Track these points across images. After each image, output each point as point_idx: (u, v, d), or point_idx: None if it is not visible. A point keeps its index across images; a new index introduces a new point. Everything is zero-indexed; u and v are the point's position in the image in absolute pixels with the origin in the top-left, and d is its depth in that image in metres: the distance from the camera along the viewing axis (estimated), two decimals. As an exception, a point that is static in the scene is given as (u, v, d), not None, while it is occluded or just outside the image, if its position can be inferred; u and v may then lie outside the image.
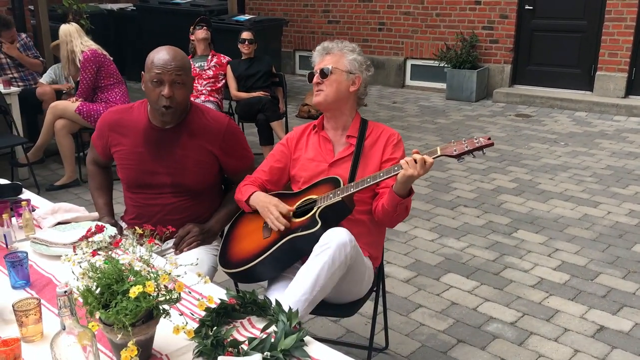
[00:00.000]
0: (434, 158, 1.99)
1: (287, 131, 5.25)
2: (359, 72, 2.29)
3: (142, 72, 2.28)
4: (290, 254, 2.08)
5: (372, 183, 2.07)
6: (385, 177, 2.05)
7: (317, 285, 1.93)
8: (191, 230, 2.31)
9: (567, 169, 5.18)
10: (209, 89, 5.31)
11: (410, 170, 1.97)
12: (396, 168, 2.03)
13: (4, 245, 2.10)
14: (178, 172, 2.31)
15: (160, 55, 2.19)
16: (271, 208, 2.17)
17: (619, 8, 6.99)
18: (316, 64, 2.34)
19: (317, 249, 1.98)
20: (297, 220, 2.15)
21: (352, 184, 2.11)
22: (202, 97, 5.25)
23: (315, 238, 2.01)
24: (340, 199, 2.08)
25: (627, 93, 7.20)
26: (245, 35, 5.46)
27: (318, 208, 2.10)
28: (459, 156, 1.99)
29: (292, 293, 1.92)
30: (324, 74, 2.28)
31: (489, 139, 1.97)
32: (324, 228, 2.02)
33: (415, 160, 1.97)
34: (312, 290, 1.92)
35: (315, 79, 2.30)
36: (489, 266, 3.53)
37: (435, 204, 4.47)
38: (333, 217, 2.08)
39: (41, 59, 5.50)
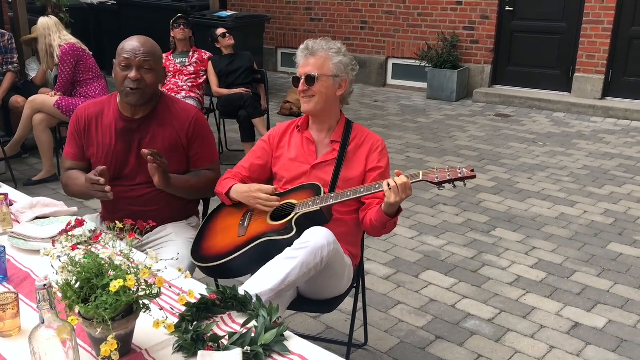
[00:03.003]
0: (415, 182, 2.02)
1: (268, 128, 5.25)
2: (345, 75, 2.28)
3: (114, 60, 2.31)
4: (261, 256, 2.07)
5: (352, 197, 2.09)
6: (365, 193, 2.07)
7: (286, 280, 1.94)
8: (163, 157, 2.21)
9: (545, 169, 5.26)
10: (190, 84, 5.28)
11: (393, 198, 2.00)
12: (377, 186, 2.06)
13: (-19, 240, 2.07)
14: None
15: (131, 42, 2.27)
16: (256, 193, 2.19)
17: (596, 11, 7.10)
18: (300, 66, 2.28)
19: (296, 244, 2.00)
20: (274, 223, 2.15)
21: (332, 194, 2.12)
22: (183, 93, 5.22)
23: (288, 244, 2.03)
24: (319, 208, 2.09)
25: (604, 95, 7.32)
26: (221, 30, 5.44)
27: (295, 214, 2.11)
28: (439, 184, 2.02)
29: (259, 283, 1.92)
30: (310, 80, 2.24)
31: (472, 170, 2.01)
32: (299, 235, 2.04)
33: (397, 186, 1.99)
34: (281, 284, 1.94)
35: (301, 86, 2.26)
36: (468, 264, 3.58)
37: (415, 202, 4.50)
38: (309, 225, 2.08)
39: (11, 68, 5.30)
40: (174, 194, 2.37)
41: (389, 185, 2.01)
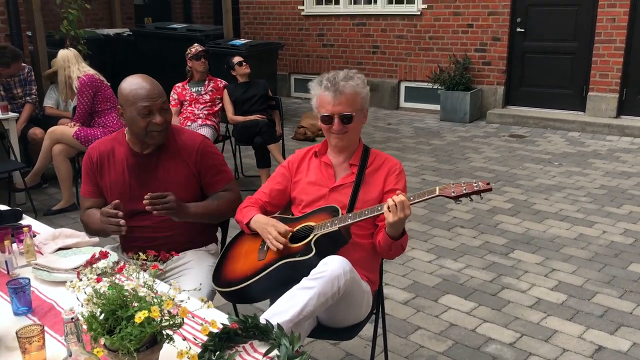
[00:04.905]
0: (432, 197, 2.03)
1: (284, 153, 5.29)
2: (367, 105, 2.32)
3: (119, 106, 2.33)
4: (282, 279, 2.08)
5: (369, 216, 2.09)
6: (382, 211, 2.07)
7: (304, 311, 1.94)
8: (168, 196, 2.22)
9: (562, 189, 5.23)
10: (205, 112, 5.35)
11: (391, 217, 2.01)
12: (379, 208, 2.07)
13: (6, 272, 2.10)
14: None
15: (140, 87, 2.27)
16: (269, 228, 2.20)
17: (608, 30, 7.11)
18: (331, 105, 2.22)
19: (312, 274, 2.00)
20: (293, 245, 2.17)
21: (350, 214, 2.13)
22: (199, 121, 5.30)
23: (308, 265, 2.03)
24: (337, 228, 2.10)
25: (619, 113, 7.29)
26: (237, 58, 5.53)
27: (314, 235, 2.12)
28: (456, 198, 2.02)
29: (277, 315, 1.91)
30: (347, 120, 2.24)
31: (488, 184, 2.01)
32: (318, 256, 2.05)
33: (395, 205, 2.00)
34: (299, 315, 1.93)
35: (337, 126, 2.24)
36: (487, 287, 3.55)
37: (432, 224, 4.49)
38: (329, 246, 2.10)
39: (29, 99, 5.46)
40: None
41: (388, 206, 2.02)
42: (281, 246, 2.14)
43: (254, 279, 2.10)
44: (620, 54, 7.10)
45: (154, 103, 2.26)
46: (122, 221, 2.18)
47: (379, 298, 2.42)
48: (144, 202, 2.18)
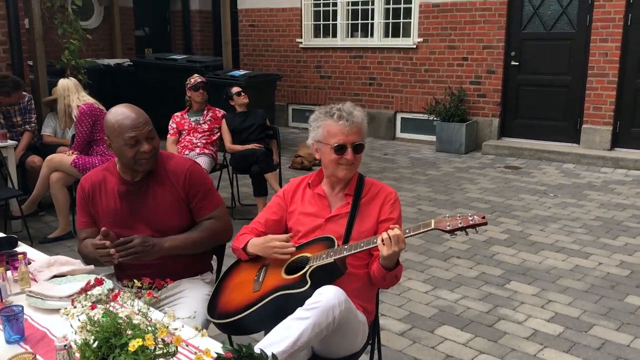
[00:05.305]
0: (427, 231, 2.04)
1: (280, 182, 5.31)
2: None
3: (106, 137, 2.36)
4: (277, 310, 2.07)
5: (365, 248, 2.10)
6: (370, 246, 2.09)
7: (298, 342, 1.94)
8: (134, 240, 2.24)
9: (557, 220, 5.25)
10: (204, 141, 5.39)
11: (385, 251, 2.03)
12: (374, 240, 2.08)
13: (-1, 299, 2.10)
14: (155, 221, 2.38)
15: (125, 117, 2.29)
16: (270, 243, 2.21)
17: (601, 64, 7.23)
18: (344, 134, 2.24)
19: (307, 304, 2.00)
20: (288, 277, 2.16)
21: (346, 246, 2.13)
22: (197, 150, 5.33)
23: (303, 297, 2.03)
24: (333, 260, 2.10)
25: (613, 145, 7.36)
26: (236, 88, 5.60)
27: (309, 267, 2.12)
28: (451, 232, 2.03)
29: (271, 346, 1.90)
30: (360, 149, 2.27)
31: (483, 217, 2.02)
32: (314, 288, 2.04)
33: (390, 238, 2.02)
34: (293, 346, 1.93)
35: (349, 156, 2.25)
36: (483, 318, 3.53)
37: (428, 255, 4.49)
38: (324, 277, 2.10)
39: (29, 128, 5.52)
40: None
41: (382, 239, 2.03)
42: (293, 250, 2.17)
43: (248, 311, 2.10)
44: (613, 87, 7.20)
45: (140, 132, 2.28)
46: (112, 250, 2.18)
47: (374, 328, 2.41)
48: (110, 251, 2.19)
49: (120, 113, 2.31)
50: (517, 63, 7.85)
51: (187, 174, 2.43)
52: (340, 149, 2.24)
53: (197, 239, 2.41)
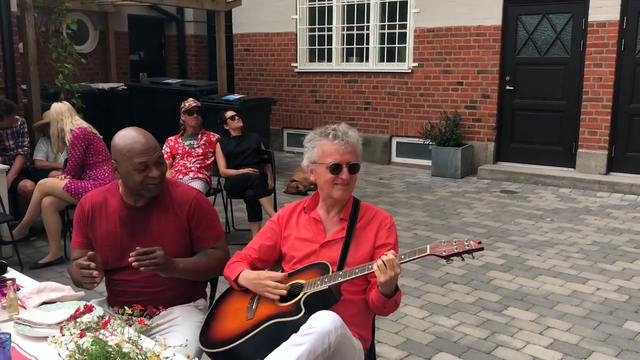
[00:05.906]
0: (423, 256, 2.01)
1: (275, 207, 5.27)
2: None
3: (114, 160, 2.31)
4: (270, 338, 2.03)
5: (360, 275, 2.07)
6: (373, 270, 2.05)
7: None
8: (156, 251, 2.18)
9: (554, 245, 5.21)
10: (198, 166, 5.36)
11: (382, 277, 2.00)
12: (369, 267, 2.05)
13: (-14, 327, 2.04)
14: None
15: (135, 141, 2.25)
16: (265, 281, 2.16)
17: (595, 89, 7.29)
18: (339, 154, 2.22)
19: (302, 330, 1.96)
20: (282, 304, 2.12)
21: (341, 272, 2.10)
22: (191, 174, 5.29)
23: (298, 325, 1.99)
24: (327, 287, 2.06)
25: (609, 170, 7.37)
26: (230, 112, 5.59)
27: (304, 294, 2.08)
28: (447, 257, 2.01)
29: None
30: (355, 169, 2.25)
31: (480, 242, 1.99)
32: (308, 315, 2.01)
33: (384, 264, 1.99)
34: None
35: (345, 175, 2.22)
36: (481, 345, 3.47)
37: (425, 280, 4.44)
38: (318, 304, 2.06)
39: (21, 151, 5.50)
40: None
41: (378, 266, 2.00)
42: (284, 292, 2.11)
43: (240, 340, 2.05)
44: (608, 112, 7.25)
45: (150, 158, 2.24)
46: (95, 272, 2.11)
47: (371, 356, 2.36)
48: (130, 259, 2.12)
49: (130, 137, 2.27)
50: (512, 88, 7.90)
51: (193, 203, 2.38)
52: (335, 169, 2.22)
53: (204, 265, 2.37)
